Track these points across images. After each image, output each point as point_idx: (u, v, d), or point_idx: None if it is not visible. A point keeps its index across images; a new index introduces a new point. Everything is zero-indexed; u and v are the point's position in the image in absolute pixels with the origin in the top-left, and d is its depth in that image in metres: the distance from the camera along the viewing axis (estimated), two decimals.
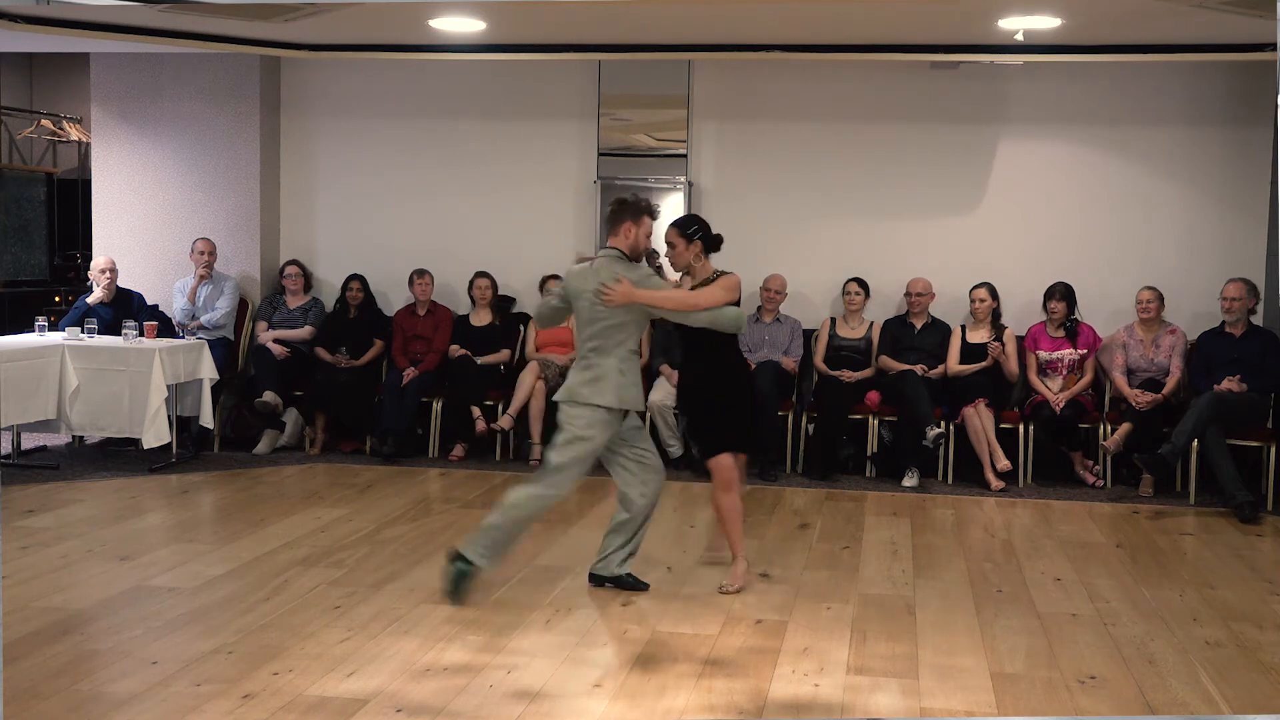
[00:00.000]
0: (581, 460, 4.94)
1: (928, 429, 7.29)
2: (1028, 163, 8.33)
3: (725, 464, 5.13)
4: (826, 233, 8.48)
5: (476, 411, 7.92)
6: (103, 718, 3.67)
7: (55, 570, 5.24)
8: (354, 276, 8.49)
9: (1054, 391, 7.62)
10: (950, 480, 7.59)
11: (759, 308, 8.19)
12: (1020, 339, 7.89)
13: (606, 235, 5.14)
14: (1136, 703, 3.99)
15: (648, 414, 7.57)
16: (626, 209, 5.05)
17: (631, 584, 5.12)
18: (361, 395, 8.14)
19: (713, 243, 5.18)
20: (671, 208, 8.41)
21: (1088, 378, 7.70)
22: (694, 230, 5.15)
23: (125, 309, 8.12)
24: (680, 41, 7.82)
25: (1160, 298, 7.66)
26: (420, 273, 8.37)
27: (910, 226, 8.41)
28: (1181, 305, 7.89)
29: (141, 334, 7.61)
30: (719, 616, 4.79)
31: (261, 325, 8.47)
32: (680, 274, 5.26)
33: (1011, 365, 7.76)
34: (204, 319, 8.31)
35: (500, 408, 7.97)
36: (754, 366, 7.87)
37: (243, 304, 8.62)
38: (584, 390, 4.92)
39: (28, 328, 7.93)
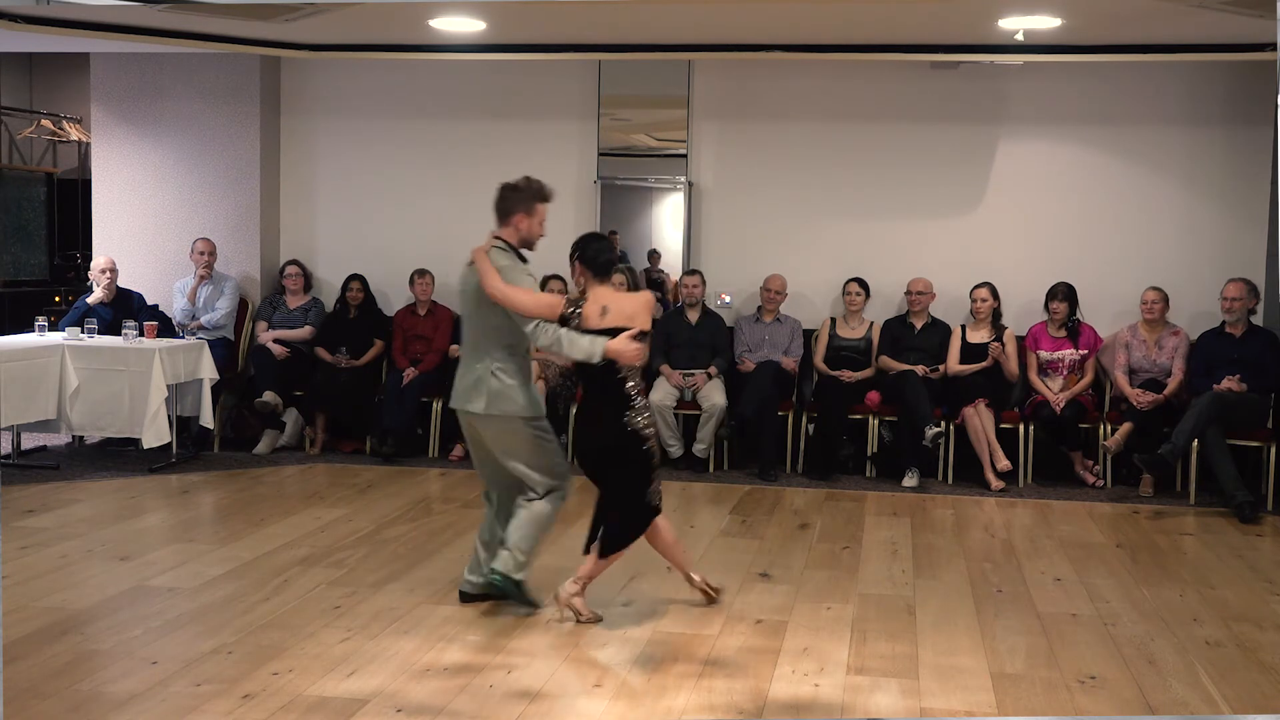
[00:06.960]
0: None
1: (926, 429, 7.29)
2: (1028, 163, 8.32)
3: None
4: (826, 233, 8.48)
5: None
6: (103, 718, 3.67)
7: (55, 570, 5.24)
8: (354, 276, 8.49)
9: (1054, 391, 7.61)
10: (950, 480, 7.59)
11: (759, 308, 8.20)
12: (1021, 339, 7.89)
13: (498, 224, 4.74)
14: (1136, 703, 3.99)
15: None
16: (517, 196, 4.67)
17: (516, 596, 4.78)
18: (361, 395, 8.15)
19: (597, 267, 4.65)
20: (671, 208, 8.44)
21: (1088, 378, 7.70)
22: (573, 253, 4.72)
23: (125, 309, 8.12)
24: (680, 41, 7.83)
25: (1165, 299, 7.65)
26: (421, 273, 8.37)
27: (910, 226, 8.41)
28: (1182, 305, 7.88)
29: (141, 334, 7.61)
30: (719, 616, 4.79)
31: (261, 325, 8.47)
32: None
33: (1011, 365, 7.76)
34: (204, 319, 8.31)
35: None
36: (753, 367, 7.88)
37: (243, 304, 8.62)
38: (462, 395, 4.70)
39: (28, 328, 7.93)
